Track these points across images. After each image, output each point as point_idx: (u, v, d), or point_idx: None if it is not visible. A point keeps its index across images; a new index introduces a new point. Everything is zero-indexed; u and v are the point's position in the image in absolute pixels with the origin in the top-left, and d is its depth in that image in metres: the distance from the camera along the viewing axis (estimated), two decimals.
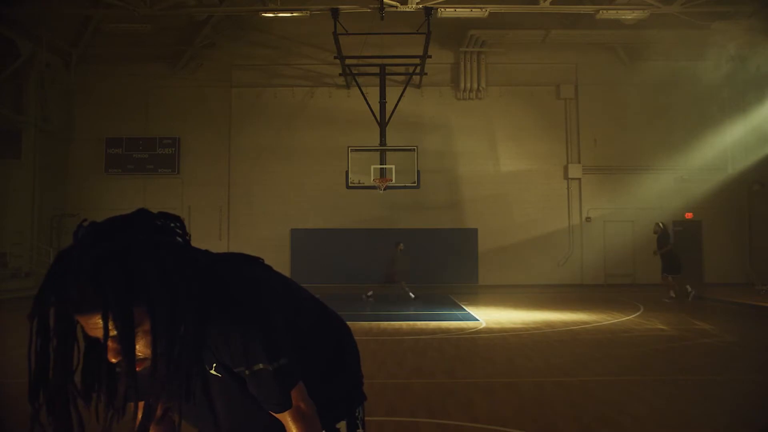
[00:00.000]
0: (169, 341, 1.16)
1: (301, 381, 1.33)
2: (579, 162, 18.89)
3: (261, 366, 1.26)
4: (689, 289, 13.29)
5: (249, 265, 1.41)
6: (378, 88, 16.23)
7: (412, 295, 13.82)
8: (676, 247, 13.99)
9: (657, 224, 13.71)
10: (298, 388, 1.31)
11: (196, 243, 1.29)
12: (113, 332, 1.11)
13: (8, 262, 16.36)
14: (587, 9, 15.59)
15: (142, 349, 1.16)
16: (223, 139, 19.00)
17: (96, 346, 1.15)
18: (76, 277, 1.09)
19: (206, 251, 1.35)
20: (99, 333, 1.11)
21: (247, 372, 1.27)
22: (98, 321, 1.09)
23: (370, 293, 14.08)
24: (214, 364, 1.32)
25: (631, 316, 10.68)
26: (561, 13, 16.34)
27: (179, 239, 1.23)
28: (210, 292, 1.23)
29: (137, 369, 1.14)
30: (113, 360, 1.14)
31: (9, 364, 6.55)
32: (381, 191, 15.47)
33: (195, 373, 1.23)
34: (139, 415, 1.19)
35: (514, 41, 18.45)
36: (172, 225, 1.24)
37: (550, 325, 9.77)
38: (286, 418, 1.31)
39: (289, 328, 1.34)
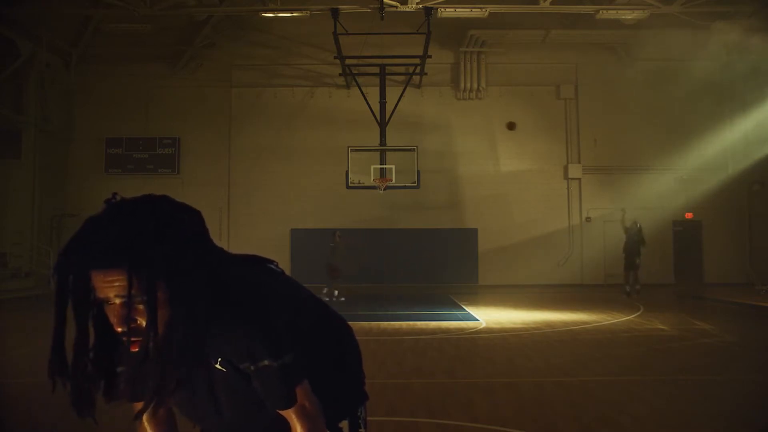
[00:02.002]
0: (177, 323, 1.18)
1: (306, 379, 1.33)
2: (579, 162, 18.89)
3: (266, 362, 1.27)
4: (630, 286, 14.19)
5: (256, 267, 1.43)
6: (378, 88, 16.23)
7: (339, 298, 13.32)
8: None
9: (634, 222, 14.70)
10: (303, 387, 1.32)
11: None
12: (123, 297, 1.13)
13: (8, 262, 16.35)
14: (587, 9, 15.59)
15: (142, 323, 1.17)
16: (223, 139, 19.00)
17: (101, 313, 1.18)
18: (106, 233, 1.12)
19: (221, 249, 1.38)
20: (111, 292, 1.13)
21: (252, 368, 1.28)
22: (116, 278, 1.12)
23: (336, 293, 13.46)
24: (219, 359, 1.33)
25: (631, 316, 10.68)
26: (561, 13, 16.33)
27: (200, 231, 1.28)
28: (216, 290, 1.25)
29: (134, 349, 1.16)
30: (119, 328, 1.16)
31: (9, 364, 6.55)
32: (381, 191, 15.44)
33: (196, 359, 1.23)
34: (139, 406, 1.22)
35: (514, 41, 18.45)
36: (190, 217, 1.28)
37: (550, 325, 9.77)
38: (291, 416, 1.31)
39: (291, 328, 1.35)
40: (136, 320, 1.16)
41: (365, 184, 15.33)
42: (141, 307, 1.15)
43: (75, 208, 18.19)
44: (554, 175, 18.93)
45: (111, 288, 1.13)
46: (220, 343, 1.28)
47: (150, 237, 1.14)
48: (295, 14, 15.50)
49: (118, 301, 1.14)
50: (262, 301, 1.31)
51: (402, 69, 16.92)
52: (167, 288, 1.16)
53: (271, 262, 1.48)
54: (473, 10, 15.00)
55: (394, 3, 14.66)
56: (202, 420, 1.48)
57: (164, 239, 1.16)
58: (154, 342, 1.15)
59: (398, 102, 16.05)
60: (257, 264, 1.45)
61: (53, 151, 18.01)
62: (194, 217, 1.29)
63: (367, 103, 15.87)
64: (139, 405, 1.24)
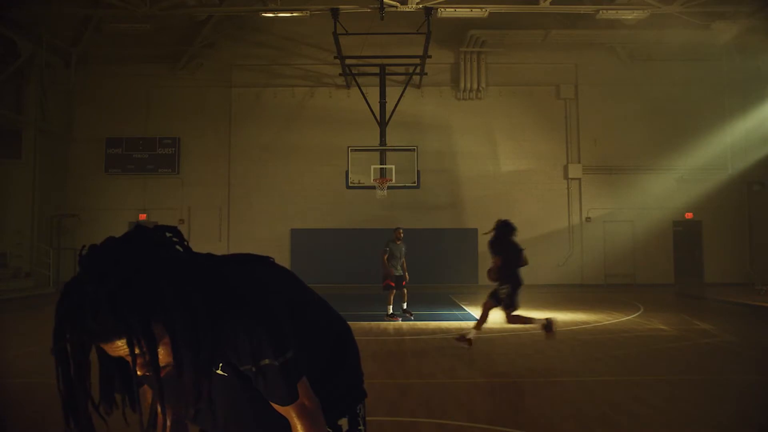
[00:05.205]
0: (192, 349, 1.20)
1: (305, 377, 1.34)
2: (579, 162, 18.89)
3: (267, 361, 1.28)
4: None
5: (253, 265, 1.43)
6: (378, 88, 16.22)
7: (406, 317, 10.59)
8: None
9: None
10: (303, 385, 1.32)
11: (195, 243, 1.31)
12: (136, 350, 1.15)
13: (8, 262, 16.36)
14: (587, 9, 15.58)
15: (163, 358, 1.20)
16: (223, 139, 19.00)
17: (120, 363, 1.21)
18: (94, 310, 1.11)
19: (209, 254, 1.38)
20: (122, 353, 1.15)
21: (253, 369, 1.29)
22: (120, 344, 1.14)
23: (407, 312, 10.69)
24: (221, 364, 1.34)
25: (631, 316, 10.68)
26: (561, 13, 16.33)
27: (179, 248, 1.26)
28: (216, 294, 1.26)
29: (161, 375, 1.20)
30: (142, 373, 1.19)
31: (9, 364, 6.55)
32: (383, 191, 15.30)
33: (210, 375, 1.26)
34: (160, 421, 1.26)
35: (514, 41, 18.45)
36: (169, 235, 1.27)
37: None
38: (291, 414, 1.32)
39: (289, 326, 1.35)
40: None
41: (365, 184, 15.32)
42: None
43: (75, 208, 18.23)
44: (554, 175, 18.93)
45: (120, 350, 1.15)
46: (225, 344, 1.28)
47: (136, 293, 1.13)
48: (295, 14, 15.49)
49: (128, 358, 1.16)
50: (259, 300, 1.32)
51: (402, 69, 16.92)
52: (167, 331, 1.18)
53: (268, 258, 1.48)
54: (473, 10, 15.00)
55: (394, 3, 14.66)
56: (201, 422, 1.48)
57: (150, 285, 1.15)
58: (160, 383, 1.18)
59: (398, 102, 16.05)
60: (253, 263, 1.45)
61: (53, 151, 18.02)
62: (173, 233, 1.27)
63: (367, 103, 15.87)
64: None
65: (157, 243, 1.22)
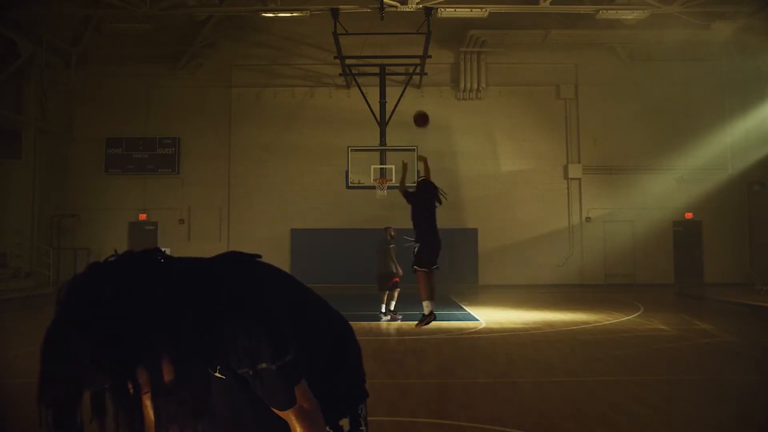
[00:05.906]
0: (186, 363, 1.19)
1: (304, 379, 1.33)
2: (579, 162, 18.89)
3: (264, 365, 1.26)
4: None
5: (246, 264, 1.42)
6: (378, 88, 16.22)
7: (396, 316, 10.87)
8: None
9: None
10: (301, 387, 1.32)
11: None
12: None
13: (8, 262, 16.37)
14: (587, 9, 15.59)
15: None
16: (223, 139, 19.00)
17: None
18: (79, 361, 1.08)
19: (200, 258, 1.37)
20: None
21: (251, 372, 1.28)
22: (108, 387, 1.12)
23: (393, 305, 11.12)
24: (218, 367, 1.33)
25: (631, 316, 10.68)
26: (561, 13, 16.33)
27: (161, 261, 1.24)
28: (212, 297, 1.25)
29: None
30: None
31: (9, 364, 6.55)
32: (383, 191, 15.29)
33: (208, 386, 1.25)
34: None
35: (514, 41, 18.45)
36: (158, 257, 1.25)
37: (550, 325, 9.77)
38: (290, 417, 1.31)
39: (288, 327, 1.35)
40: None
41: (365, 184, 15.31)
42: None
43: (75, 208, 18.23)
44: (554, 175, 18.93)
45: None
46: (222, 346, 1.28)
47: (118, 339, 1.10)
48: (295, 14, 15.51)
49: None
50: (262, 299, 1.31)
51: (402, 69, 16.91)
52: (148, 374, 1.16)
53: (257, 256, 1.47)
54: (473, 10, 15.01)
55: (394, 3, 14.66)
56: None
57: (147, 298, 1.14)
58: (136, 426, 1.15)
59: (398, 102, 16.03)
60: (246, 262, 1.44)
61: (53, 151, 18.02)
62: (156, 254, 1.25)
63: (367, 103, 15.86)
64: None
65: (145, 260, 1.21)
